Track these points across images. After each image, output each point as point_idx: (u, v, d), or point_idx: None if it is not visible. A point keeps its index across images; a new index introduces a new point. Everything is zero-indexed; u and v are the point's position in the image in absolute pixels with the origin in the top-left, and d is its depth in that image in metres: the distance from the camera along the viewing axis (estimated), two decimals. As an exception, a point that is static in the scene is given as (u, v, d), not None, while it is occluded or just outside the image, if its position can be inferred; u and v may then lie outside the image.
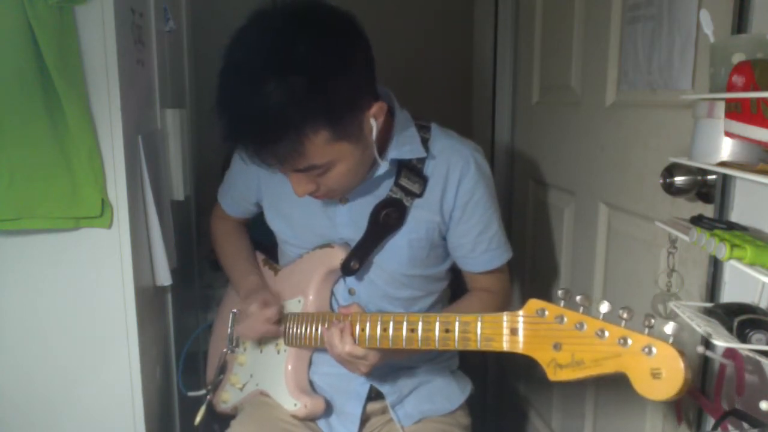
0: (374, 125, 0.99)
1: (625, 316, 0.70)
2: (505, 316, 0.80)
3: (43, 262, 1.05)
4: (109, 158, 1.03)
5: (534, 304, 0.78)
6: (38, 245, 1.04)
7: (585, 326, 0.72)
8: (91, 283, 1.06)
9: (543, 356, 0.75)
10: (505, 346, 0.80)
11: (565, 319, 0.74)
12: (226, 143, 0.97)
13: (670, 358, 0.66)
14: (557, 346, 0.74)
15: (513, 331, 0.80)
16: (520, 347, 0.79)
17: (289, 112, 0.90)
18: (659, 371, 0.66)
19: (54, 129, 0.98)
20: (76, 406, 1.10)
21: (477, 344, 0.84)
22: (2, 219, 0.99)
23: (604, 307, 0.71)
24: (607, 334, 0.71)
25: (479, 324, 0.84)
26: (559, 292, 0.75)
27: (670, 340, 0.67)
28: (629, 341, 0.69)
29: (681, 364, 0.66)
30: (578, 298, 0.73)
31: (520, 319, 0.79)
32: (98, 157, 1.01)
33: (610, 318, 0.72)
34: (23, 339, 1.07)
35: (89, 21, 0.98)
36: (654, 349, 0.67)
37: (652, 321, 0.68)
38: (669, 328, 0.67)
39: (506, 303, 1.20)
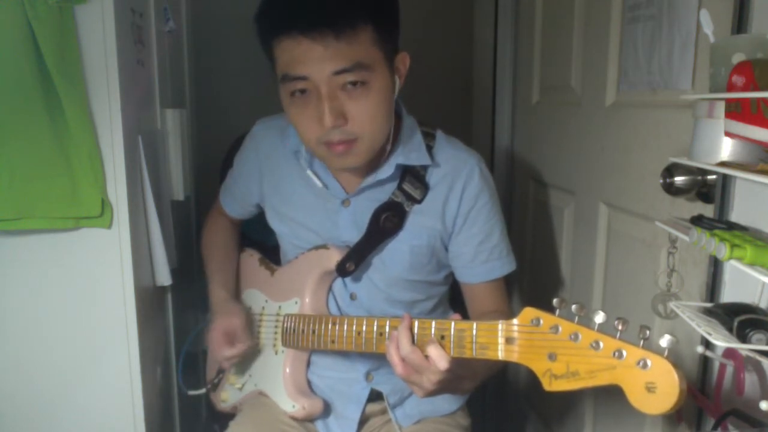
0: (397, 82, 1.02)
1: (620, 327, 0.69)
2: (501, 325, 0.79)
3: (43, 262, 1.05)
4: (109, 158, 1.03)
5: (529, 312, 0.77)
6: (38, 245, 1.04)
7: (580, 337, 0.72)
8: (91, 283, 1.07)
9: (538, 366, 0.75)
10: (501, 355, 0.80)
11: (560, 329, 0.73)
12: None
13: (665, 372, 0.65)
14: (552, 357, 0.73)
15: (508, 339, 0.79)
16: (515, 356, 0.78)
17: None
18: (654, 385, 0.66)
19: (54, 129, 0.98)
20: (76, 406, 1.10)
21: (473, 352, 0.83)
22: (2, 219, 0.99)
23: (599, 318, 0.70)
24: (602, 345, 0.70)
25: (474, 331, 0.83)
26: (554, 301, 0.74)
27: (665, 353, 0.66)
28: (624, 354, 0.68)
29: (676, 379, 0.64)
30: (573, 307, 0.72)
31: (515, 328, 0.78)
32: (98, 157, 1.02)
33: (605, 328, 0.71)
34: (23, 339, 1.07)
35: (89, 21, 0.98)
36: (649, 363, 0.66)
37: (647, 333, 0.67)
38: (664, 341, 0.66)
39: None
